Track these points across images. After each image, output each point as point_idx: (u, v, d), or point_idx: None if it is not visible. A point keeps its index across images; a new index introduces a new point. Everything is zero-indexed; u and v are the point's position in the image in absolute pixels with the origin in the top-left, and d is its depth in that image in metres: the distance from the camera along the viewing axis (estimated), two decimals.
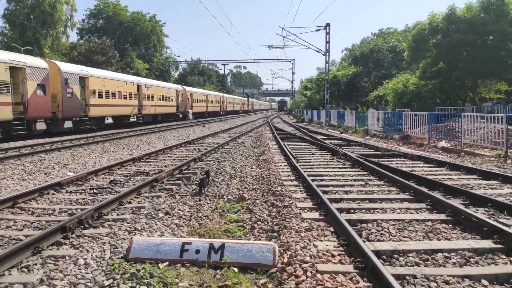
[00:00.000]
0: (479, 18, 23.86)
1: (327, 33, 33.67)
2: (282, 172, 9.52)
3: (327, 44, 34.02)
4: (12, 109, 17.34)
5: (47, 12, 42.21)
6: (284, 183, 8.09)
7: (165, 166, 10.42)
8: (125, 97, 27.89)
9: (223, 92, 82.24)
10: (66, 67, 21.98)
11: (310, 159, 11.71)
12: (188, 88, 45.03)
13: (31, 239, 4.24)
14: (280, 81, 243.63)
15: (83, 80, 22.90)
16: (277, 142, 16.17)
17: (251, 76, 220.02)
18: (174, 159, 11.73)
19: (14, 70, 17.65)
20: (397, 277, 3.57)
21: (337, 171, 9.51)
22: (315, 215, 5.63)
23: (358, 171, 9.44)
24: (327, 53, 34.27)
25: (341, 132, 25.11)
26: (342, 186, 7.80)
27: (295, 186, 7.82)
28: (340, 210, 5.74)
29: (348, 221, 5.06)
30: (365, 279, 3.53)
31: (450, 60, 24.88)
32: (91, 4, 65.80)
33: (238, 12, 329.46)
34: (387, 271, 3.40)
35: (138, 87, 30.38)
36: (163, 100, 35.50)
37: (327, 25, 33.58)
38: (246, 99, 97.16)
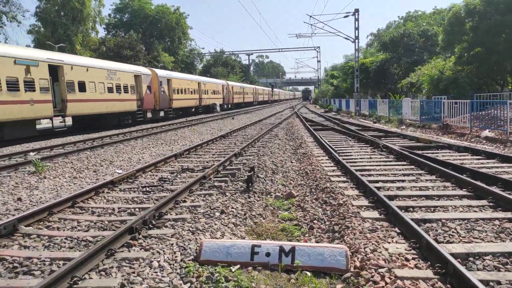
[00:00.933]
0: None
1: (356, 19, 32.87)
2: (326, 167, 9.42)
3: (356, 31, 33.26)
4: (136, 103, 25.70)
5: (76, 9, 43.18)
6: (332, 179, 8.01)
7: (207, 162, 10.53)
8: (191, 93, 36.24)
9: (247, 82, 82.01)
10: (160, 72, 30.06)
11: (350, 152, 11.54)
12: (230, 83, 51.61)
13: (104, 242, 4.36)
14: (304, 69, 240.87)
15: (169, 81, 30.89)
16: (312, 134, 16.05)
17: (273, 65, 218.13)
18: (213, 154, 11.83)
19: (136, 77, 26.02)
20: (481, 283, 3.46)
21: (383, 165, 9.33)
22: (375, 214, 5.54)
23: (405, 165, 9.23)
24: (357, 40, 33.52)
25: (374, 122, 24.63)
26: (392, 181, 7.64)
27: (344, 182, 7.73)
28: (399, 209, 5.62)
29: (411, 221, 4.95)
30: (449, 286, 3.44)
31: (489, 43, 23.79)
32: None
33: (266, 2, 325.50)
34: (473, 277, 3.29)
35: (199, 84, 38.19)
36: (214, 93, 43.39)
37: (356, 11, 32.77)
38: (271, 89, 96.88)
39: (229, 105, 50.44)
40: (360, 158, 10.42)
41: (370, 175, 8.21)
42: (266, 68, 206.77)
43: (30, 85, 16.60)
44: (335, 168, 9.25)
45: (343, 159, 9.95)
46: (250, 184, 7.72)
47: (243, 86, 60.16)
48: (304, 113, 38.07)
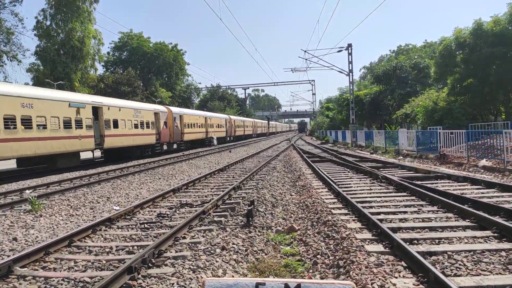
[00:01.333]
0: (508, 31, 23.44)
1: (350, 54, 33.76)
2: (326, 199, 9.35)
3: (350, 65, 34.07)
4: (155, 137, 28.98)
5: (76, 47, 44.17)
6: (333, 211, 7.92)
7: (206, 196, 10.43)
8: (199, 127, 39.91)
9: (244, 115, 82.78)
10: (174, 109, 33.80)
11: (349, 183, 11.50)
12: (232, 117, 56.39)
13: (102, 283, 4.22)
14: (299, 102, 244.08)
15: (181, 117, 34.34)
16: (310, 166, 16.07)
17: (269, 98, 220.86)
18: (212, 188, 11.74)
19: (155, 114, 29.30)
20: None
21: (383, 196, 9.26)
22: (379, 247, 5.44)
23: (406, 196, 9.17)
24: (351, 73, 34.27)
25: (371, 153, 24.69)
26: (394, 213, 7.56)
27: (346, 214, 7.64)
28: (404, 241, 5.53)
29: (417, 254, 4.85)
30: None
31: (480, 74, 24.38)
32: (115, 36, 68.46)
33: (262, 38, 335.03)
34: None
35: (205, 119, 42.35)
36: (218, 127, 47.57)
37: (349, 45, 33.72)
38: (267, 121, 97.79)
39: (231, 137, 53.84)
40: (360, 190, 10.36)
41: (371, 207, 8.13)
42: (261, 101, 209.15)
43: (79, 124, 20.31)
44: (336, 200, 9.17)
45: (343, 191, 9.90)
46: (250, 218, 7.61)
47: (243, 119, 65.18)
48: (300, 145, 38.26)
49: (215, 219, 7.64)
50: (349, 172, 14.13)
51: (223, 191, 10.85)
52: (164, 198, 10.24)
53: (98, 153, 24.55)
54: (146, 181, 14.27)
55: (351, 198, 8.82)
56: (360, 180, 11.99)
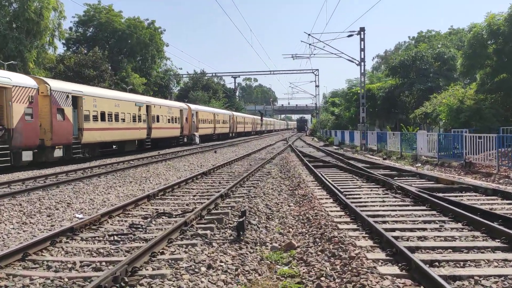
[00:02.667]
0: None
1: (362, 39, 34.07)
2: (331, 211, 9.47)
3: (362, 52, 34.36)
4: (179, 131, 40.89)
5: (32, 21, 43.64)
6: (339, 226, 8.03)
7: (187, 205, 10.47)
8: (209, 122, 52.08)
9: (232, 109, 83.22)
10: (193, 106, 46.28)
11: (358, 194, 11.65)
12: (234, 113, 67.32)
13: None
14: (299, 95, 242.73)
15: (197, 113, 46.47)
16: (311, 172, 16.29)
17: (263, 90, 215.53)
18: (194, 195, 11.79)
19: (180, 111, 41.13)
20: None
21: (399, 210, 9.41)
22: (395, 269, 5.55)
23: (425, 210, 9.33)
24: (362, 63, 34.57)
25: (384, 159, 24.97)
26: (411, 230, 7.69)
27: (354, 230, 7.75)
28: (423, 263, 5.64)
29: (440, 278, 4.96)
30: None
31: None
32: (79, 9, 67.92)
33: (259, 18, 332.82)
34: None
35: (214, 115, 53.99)
36: (223, 123, 59.54)
37: (362, 29, 34.02)
38: (259, 117, 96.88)
39: (233, 133, 65.62)
40: (371, 202, 10.50)
41: (384, 222, 8.26)
42: (254, 93, 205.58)
43: (140, 118, 31.78)
44: (343, 213, 9.29)
45: (352, 202, 10.02)
46: (241, 232, 7.68)
47: (244, 116, 78.24)
48: (300, 146, 38.51)
49: (200, 232, 7.69)
50: (358, 180, 14.30)
51: (208, 199, 10.90)
52: (137, 206, 10.26)
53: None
54: (114, 184, 14.26)
55: (361, 211, 8.94)
56: (371, 190, 12.14)
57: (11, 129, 18.53)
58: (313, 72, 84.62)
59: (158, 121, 34.79)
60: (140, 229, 8.06)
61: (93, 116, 25.33)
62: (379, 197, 11.07)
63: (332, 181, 13.39)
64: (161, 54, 73.12)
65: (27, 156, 19.45)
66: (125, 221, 8.81)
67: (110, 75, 54.09)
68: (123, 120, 29.05)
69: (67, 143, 22.51)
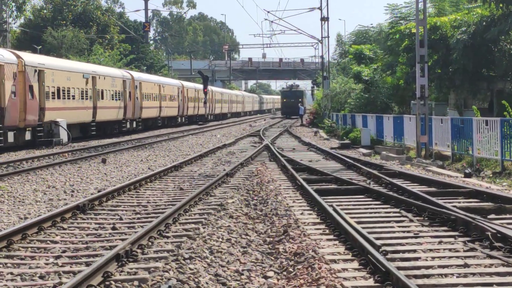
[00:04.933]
0: None
1: None
2: None
3: None
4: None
5: None
6: None
7: (43, 277, 5.10)
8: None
9: (141, 67, 53.53)
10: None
11: (413, 250, 6.06)
12: (185, 84, 49.28)
13: None
14: (286, 38, 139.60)
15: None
16: (312, 202, 9.25)
17: (208, 26, 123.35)
18: (57, 257, 6.17)
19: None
20: None
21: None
22: None
23: None
24: None
25: (467, 175, 13.37)
26: None
27: None
28: None
29: None
30: None
31: None
32: None
33: None
34: None
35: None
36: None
37: None
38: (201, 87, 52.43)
39: (184, 117, 48.80)
40: (438, 267, 5.37)
41: None
42: (189, 34, 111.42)
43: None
44: None
45: (399, 268, 4.98)
46: None
47: (194, 87, 53.36)
48: (286, 149, 21.53)
49: None
50: (411, 221, 7.80)
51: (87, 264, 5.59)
52: None
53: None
54: None
55: None
56: (440, 244, 6.34)
57: (3, 107, 19.47)
58: None
59: (103, 97, 29.13)
60: None
61: (52, 93, 23.64)
62: (457, 258, 5.78)
63: (357, 222, 7.53)
64: None
65: (11, 137, 19.94)
66: None
67: None
68: (73, 97, 25.63)
69: (34, 125, 21.95)
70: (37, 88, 22.01)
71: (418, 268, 5.29)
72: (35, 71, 21.94)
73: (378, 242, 5.98)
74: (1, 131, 19.11)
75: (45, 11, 49.53)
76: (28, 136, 21.52)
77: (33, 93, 21.80)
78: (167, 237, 6.90)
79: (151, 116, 38.68)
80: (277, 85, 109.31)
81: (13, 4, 40.38)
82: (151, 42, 75.81)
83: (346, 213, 7.87)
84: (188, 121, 49.19)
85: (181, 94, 45.94)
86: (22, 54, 22.71)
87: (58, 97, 24.27)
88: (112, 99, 30.52)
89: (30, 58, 22.85)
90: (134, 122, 34.69)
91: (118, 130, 32.34)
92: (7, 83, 19.51)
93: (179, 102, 44.70)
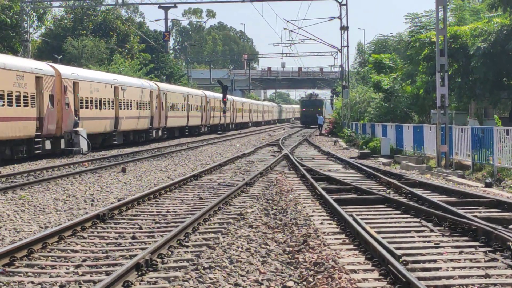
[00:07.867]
0: None
1: None
2: None
3: None
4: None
5: None
6: None
7: None
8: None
9: (161, 77, 53.38)
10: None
11: (433, 260, 6.07)
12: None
13: None
14: (306, 47, 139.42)
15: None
16: (332, 212, 9.20)
17: (229, 36, 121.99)
18: (67, 272, 6.30)
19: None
20: None
21: None
22: None
23: None
24: None
25: (487, 185, 13.25)
26: None
27: None
28: None
29: None
30: None
31: None
32: None
33: None
34: None
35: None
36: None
37: None
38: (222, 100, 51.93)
39: (207, 127, 50.37)
40: (459, 277, 5.35)
41: None
42: (208, 44, 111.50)
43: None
44: None
45: (420, 278, 4.96)
46: None
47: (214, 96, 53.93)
48: (306, 158, 21.36)
49: None
50: (432, 231, 7.79)
51: (107, 273, 5.70)
52: None
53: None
54: None
55: None
56: (461, 254, 6.33)
57: (42, 117, 21.11)
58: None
59: (131, 107, 30.46)
60: None
61: (86, 103, 25.31)
62: (478, 268, 5.73)
63: (377, 231, 7.55)
64: None
65: (48, 145, 21.73)
66: None
67: None
68: (104, 107, 26.98)
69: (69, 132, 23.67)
70: (72, 99, 23.89)
71: (439, 278, 5.28)
72: (71, 82, 23.81)
73: (399, 252, 5.98)
74: (40, 139, 20.79)
75: (65, 21, 50.89)
76: (63, 144, 23.09)
77: (68, 103, 23.69)
78: (187, 247, 7.00)
79: (176, 125, 39.90)
80: (296, 94, 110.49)
81: (34, 14, 41.40)
82: (171, 51, 77.89)
83: (366, 223, 7.87)
84: (210, 130, 49.87)
85: (204, 104, 47.06)
86: (58, 66, 24.64)
87: (91, 107, 25.89)
88: (140, 109, 31.97)
89: (66, 70, 24.67)
90: (160, 131, 36.17)
91: (145, 138, 33.66)
92: (45, 94, 21.37)
93: (202, 112, 45.58)
